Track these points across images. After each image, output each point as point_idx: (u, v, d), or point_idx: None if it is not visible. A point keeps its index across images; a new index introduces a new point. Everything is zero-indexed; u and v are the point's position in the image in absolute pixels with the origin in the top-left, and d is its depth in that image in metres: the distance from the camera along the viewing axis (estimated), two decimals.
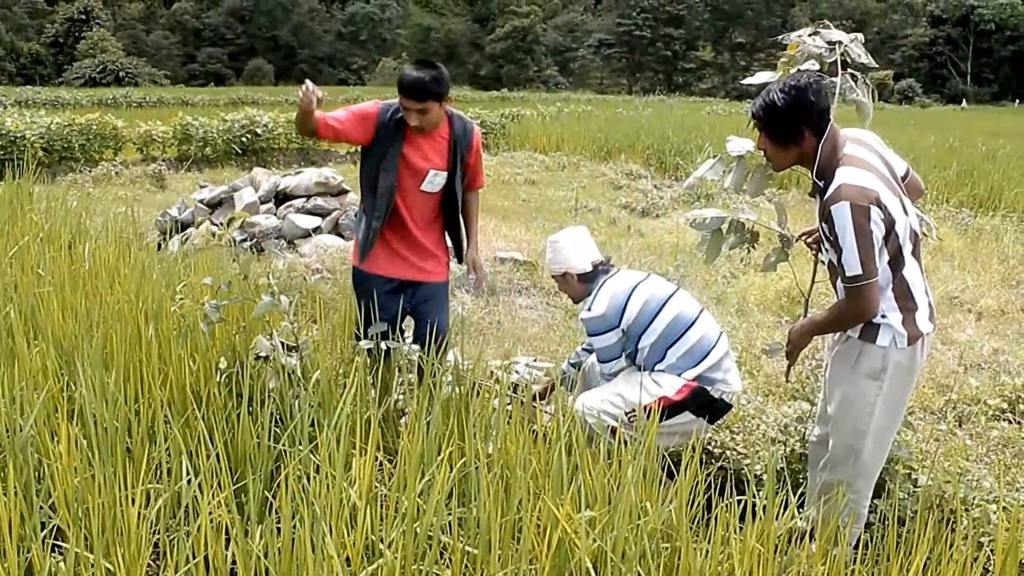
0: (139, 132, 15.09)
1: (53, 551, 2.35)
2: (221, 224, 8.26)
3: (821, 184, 2.88)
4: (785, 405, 4.27)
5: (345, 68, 74.48)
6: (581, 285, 3.87)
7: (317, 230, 8.12)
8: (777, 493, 2.54)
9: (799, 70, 3.06)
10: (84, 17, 61.65)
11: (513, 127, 19.74)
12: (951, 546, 2.46)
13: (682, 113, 27.15)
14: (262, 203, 8.54)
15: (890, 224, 2.76)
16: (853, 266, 2.74)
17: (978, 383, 4.95)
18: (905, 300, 2.87)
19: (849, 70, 3.14)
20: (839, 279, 2.86)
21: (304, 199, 8.48)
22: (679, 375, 3.61)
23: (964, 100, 56.32)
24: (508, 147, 18.38)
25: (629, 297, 3.68)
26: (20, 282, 4.19)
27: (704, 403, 3.60)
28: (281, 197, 8.69)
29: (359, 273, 4.03)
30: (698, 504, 2.64)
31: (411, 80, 3.68)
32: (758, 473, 3.53)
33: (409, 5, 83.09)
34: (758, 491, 2.60)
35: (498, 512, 2.30)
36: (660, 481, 2.70)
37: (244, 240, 7.88)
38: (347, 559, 2.34)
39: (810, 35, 3.25)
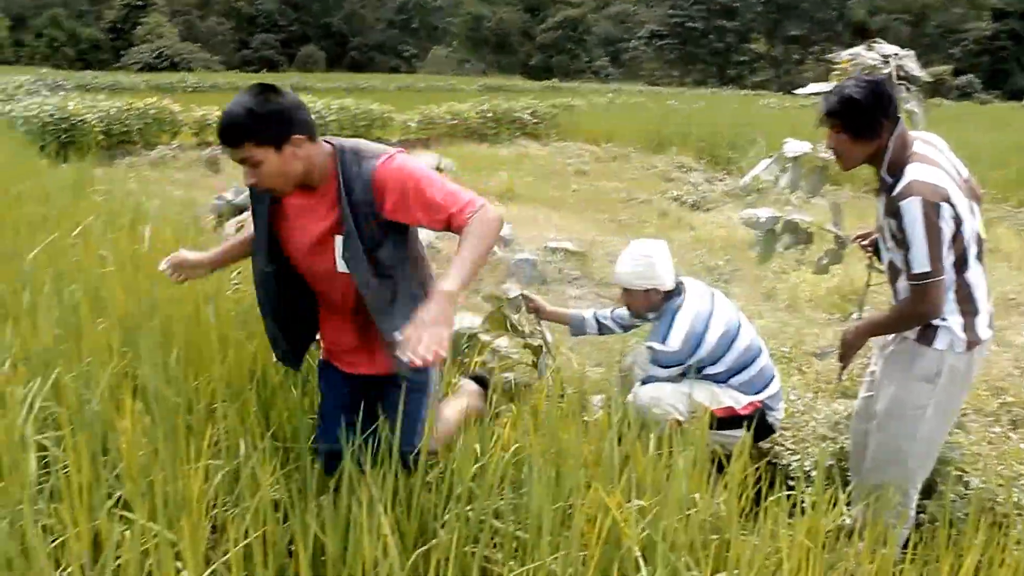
0: (195, 117, 15.35)
1: (119, 520, 2.43)
2: None
3: (890, 181, 2.85)
4: (835, 402, 4.24)
5: (396, 56, 74.78)
6: (658, 302, 3.75)
7: None
8: (827, 490, 2.54)
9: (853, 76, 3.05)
10: (141, 3, 62.65)
11: (564, 117, 19.72)
12: (1003, 550, 2.45)
13: (735, 106, 26.91)
14: None
15: (958, 223, 2.74)
16: (921, 263, 2.71)
17: None
18: (966, 304, 2.84)
19: (903, 82, 3.14)
20: (902, 278, 2.84)
21: None
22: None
23: None
24: (559, 137, 18.37)
25: (705, 333, 3.63)
26: (84, 261, 4.30)
27: (759, 424, 3.60)
28: None
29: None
30: (747, 497, 2.65)
31: (224, 117, 2.40)
32: (807, 470, 3.53)
33: None
34: (807, 487, 2.61)
35: (549, 499, 2.34)
36: (709, 474, 2.72)
37: None
38: (401, 539, 2.40)
39: (866, 48, 3.26)
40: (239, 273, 4.16)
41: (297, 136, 2.37)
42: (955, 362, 2.86)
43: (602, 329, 4.14)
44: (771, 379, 3.73)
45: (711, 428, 3.40)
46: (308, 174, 2.47)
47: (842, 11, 71.96)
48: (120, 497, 2.46)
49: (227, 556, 2.12)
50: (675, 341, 3.59)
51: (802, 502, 2.48)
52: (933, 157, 2.84)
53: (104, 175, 7.75)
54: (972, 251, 2.83)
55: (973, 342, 2.85)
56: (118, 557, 2.05)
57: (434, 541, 2.31)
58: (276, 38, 70.75)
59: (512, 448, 2.73)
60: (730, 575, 2.26)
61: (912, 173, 2.76)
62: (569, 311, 4.21)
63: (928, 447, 2.99)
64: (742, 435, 3.44)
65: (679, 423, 3.42)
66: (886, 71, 3.19)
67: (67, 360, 3.08)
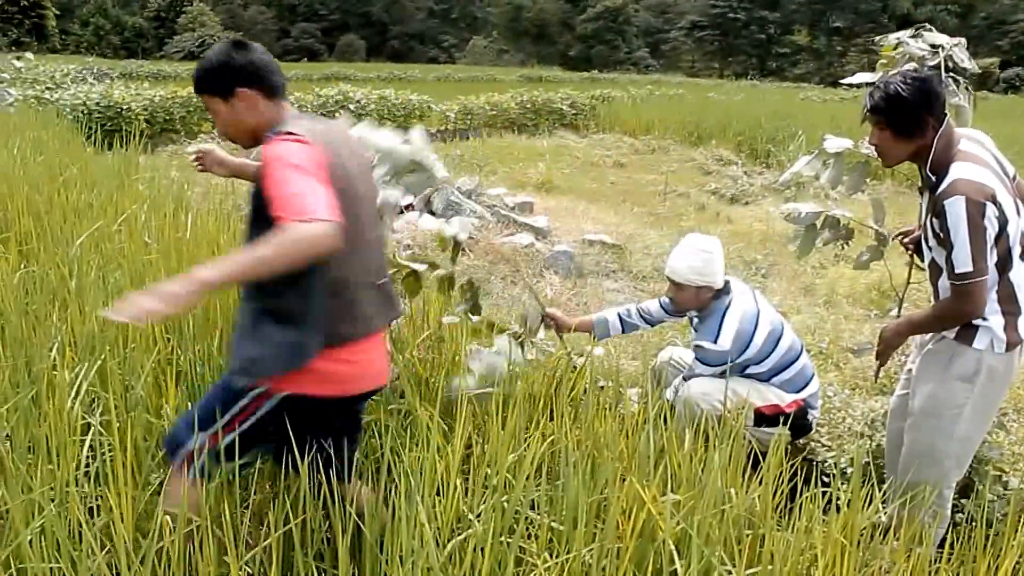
0: None
1: None
2: None
3: (934, 179, 2.81)
4: (872, 399, 4.22)
5: (436, 46, 74.97)
6: (708, 299, 3.70)
7: (409, 207, 8.25)
8: (862, 487, 2.54)
9: (900, 72, 3.01)
10: None
11: (603, 109, 19.65)
12: None
13: (775, 99, 26.63)
14: None
15: (1003, 223, 2.71)
16: (964, 262, 2.68)
17: None
18: (1009, 304, 2.80)
19: (951, 73, 3.09)
20: (943, 277, 2.81)
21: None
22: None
23: None
24: (598, 129, 18.31)
25: (753, 334, 3.62)
26: (128, 248, 4.38)
27: (799, 422, 3.67)
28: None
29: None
30: (782, 493, 2.65)
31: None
32: (843, 467, 3.52)
33: None
34: (843, 484, 2.60)
35: (585, 491, 2.36)
36: (745, 470, 2.73)
37: None
38: (438, 528, 2.43)
39: (911, 36, 3.21)
40: None
41: (243, 90, 2.36)
42: (994, 362, 2.82)
43: (626, 327, 4.06)
44: (811, 378, 3.74)
45: (755, 425, 3.46)
46: (259, 131, 2.41)
47: (887, 2, 70.89)
48: (163, 481, 2.51)
49: (267, 541, 2.16)
50: (726, 341, 3.58)
51: (837, 499, 2.48)
52: (979, 155, 2.80)
53: (147, 163, 7.86)
54: (1017, 251, 2.79)
55: (1014, 342, 2.81)
56: (161, 539, 2.10)
57: (468, 531, 2.34)
58: (316, 27, 71.22)
59: (549, 439, 2.76)
60: (764, 570, 2.27)
61: (957, 172, 2.72)
62: (592, 317, 4.13)
63: (964, 447, 2.96)
64: (779, 431, 3.47)
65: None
66: (934, 63, 3.14)
67: (113, 345, 3.16)
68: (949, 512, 3.04)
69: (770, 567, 2.27)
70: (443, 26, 77.21)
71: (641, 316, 4.03)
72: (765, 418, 3.58)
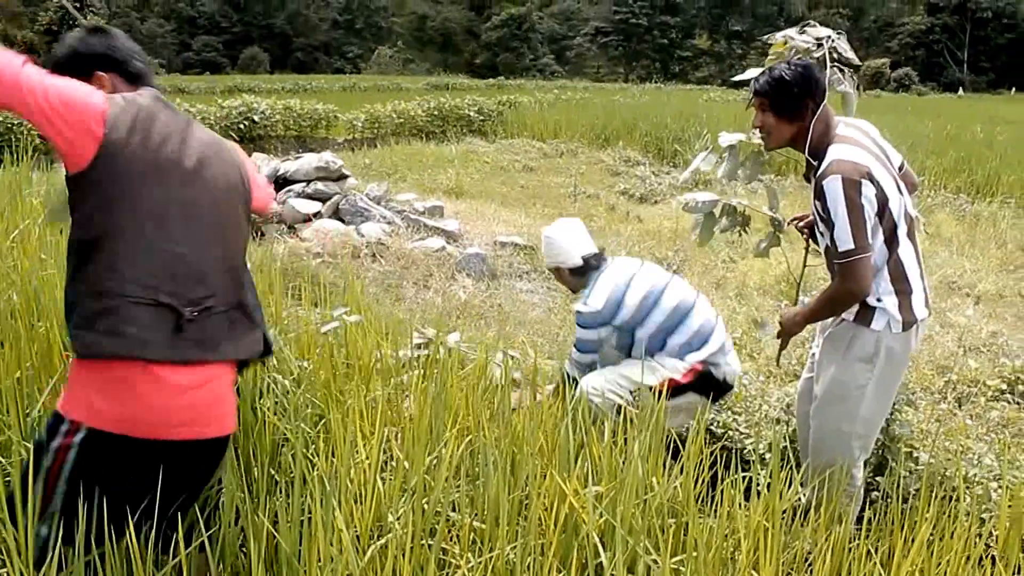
0: None
1: None
2: None
3: (815, 164, 2.89)
4: (787, 386, 4.29)
5: (341, 57, 74.18)
6: (574, 279, 3.87)
7: (317, 215, 8.12)
8: (781, 470, 2.56)
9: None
10: (78, 5, 61.42)
11: (511, 114, 19.70)
12: (954, 520, 2.48)
13: (679, 101, 27.12)
14: None
15: (883, 201, 2.79)
16: (845, 240, 2.74)
17: (977, 365, 4.97)
18: (900, 283, 2.88)
19: (836, 64, 3.19)
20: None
21: (304, 184, 8.47)
22: (682, 359, 3.67)
23: (961, 88, 56.20)
24: (506, 134, 18.35)
25: (626, 292, 3.68)
26: (22, 265, 4.18)
27: (708, 384, 3.67)
28: (281, 182, 8.68)
29: None
30: (703, 481, 2.65)
31: None
32: (762, 452, 3.56)
33: None
34: (762, 469, 2.62)
35: (506, 488, 2.32)
36: (665, 459, 2.72)
37: None
38: (356, 534, 2.36)
39: (799, 31, 3.30)
40: None
41: (101, 73, 2.26)
42: (892, 342, 2.89)
43: (572, 377, 3.91)
44: (710, 335, 3.70)
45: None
46: None
47: (782, 6, 72.93)
48: None
49: (177, 559, 2.06)
50: (596, 301, 3.67)
51: (757, 484, 2.49)
52: (855, 137, 2.89)
53: (43, 179, 7.54)
54: (902, 229, 2.87)
55: (909, 322, 2.89)
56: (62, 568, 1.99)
57: (388, 536, 2.27)
58: (218, 40, 69.78)
59: (467, 439, 2.71)
60: (689, 557, 2.26)
61: (833, 153, 2.81)
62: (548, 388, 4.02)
63: (868, 427, 3.02)
64: (697, 398, 3.54)
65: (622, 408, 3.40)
66: (819, 54, 3.23)
67: (6, 365, 2.99)
68: (862, 491, 3.09)
69: (695, 554, 2.26)
70: (348, 37, 76.48)
71: (574, 367, 3.93)
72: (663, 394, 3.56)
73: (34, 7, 64.52)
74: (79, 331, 2.02)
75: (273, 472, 2.76)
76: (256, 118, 15.45)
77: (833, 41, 3.25)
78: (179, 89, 33.70)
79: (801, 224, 3.32)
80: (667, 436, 2.90)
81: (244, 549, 2.32)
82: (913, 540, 2.36)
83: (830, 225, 2.78)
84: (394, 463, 2.65)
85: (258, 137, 15.59)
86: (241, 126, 15.20)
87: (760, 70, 3.21)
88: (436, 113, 18.64)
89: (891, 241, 2.85)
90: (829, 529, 2.52)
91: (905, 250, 2.88)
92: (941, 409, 4.32)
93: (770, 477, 2.51)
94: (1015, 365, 4.84)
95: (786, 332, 3.14)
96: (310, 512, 2.19)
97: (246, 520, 2.22)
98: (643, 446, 2.52)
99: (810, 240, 3.25)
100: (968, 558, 2.38)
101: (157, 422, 2.08)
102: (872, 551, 2.38)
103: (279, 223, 7.97)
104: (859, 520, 2.96)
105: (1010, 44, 65.26)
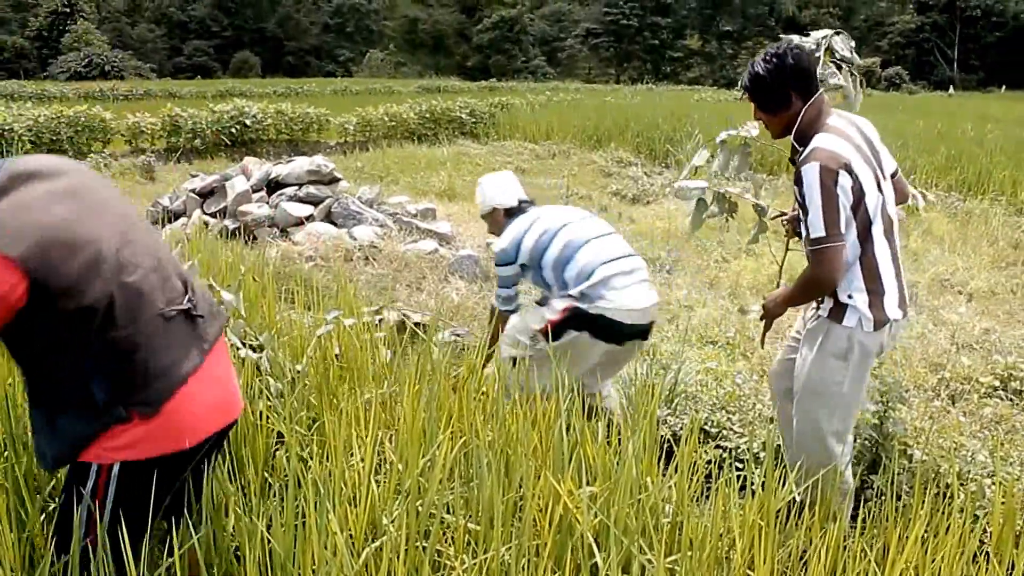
0: (127, 124, 15.04)
1: None
2: (215, 214, 8.25)
3: (800, 148, 2.92)
4: None
5: (332, 60, 74.16)
6: (506, 220, 4.14)
7: (310, 218, 8.10)
8: (776, 468, 2.56)
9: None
10: (68, 10, 61.20)
11: (502, 116, 19.71)
12: (948, 517, 2.49)
13: (671, 101, 27.18)
14: (254, 192, 8.52)
15: (859, 194, 2.80)
16: (817, 227, 2.77)
17: (970, 362, 4.98)
18: (873, 282, 2.89)
19: (834, 61, 3.22)
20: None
21: (296, 187, 8.46)
22: (567, 297, 3.84)
23: (951, 86, 56.40)
24: (498, 136, 18.36)
25: (526, 233, 3.96)
26: None
27: (583, 320, 3.73)
28: (273, 186, 8.67)
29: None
30: (698, 480, 2.65)
31: None
32: (756, 451, 3.56)
33: None
34: (756, 468, 2.62)
35: (500, 490, 2.32)
36: (660, 459, 2.72)
37: (236, 228, 7.87)
38: (351, 537, 2.35)
39: (801, 36, 3.34)
40: None
41: None
42: (864, 340, 2.91)
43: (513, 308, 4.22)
44: (593, 270, 3.76)
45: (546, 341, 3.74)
46: None
47: (773, 6, 73.14)
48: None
49: (170, 560, 2.05)
50: (503, 242, 4.03)
51: (752, 482, 2.49)
52: (844, 129, 2.90)
53: None
54: (878, 226, 2.88)
55: (881, 321, 2.90)
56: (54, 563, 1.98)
57: (383, 539, 2.27)
58: (209, 44, 69.67)
59: (460, 440, 2.71)
60: (683, 557, 2.26)
61: (816, 141, 2.83)
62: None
63: (843, 423, 3.04)
64: (576, 335, 3.74)
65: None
66: (818, 54, 3.24)
67: None
68: (852, 487, 3.09)
69: (689, 553, 2.26)
70: (339, 40, 76.43)
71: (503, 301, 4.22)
72: (547, 335, 3.78)
73: (24, 13, 64.35)
74: (120, 407, 1.95)
75: (267, 475, 2.76)
76: (248, 122, 15.44)
77: (829, 38, 3.28)
78: (170, 94, 33.65)
79: (784, 219, 3.36)
80: (662, 437, 2.90)
81: (238, 553, 2.31)
82: (907, 538, 2.36)
83: (805, 211, 2.82)
84: (388, 465, 2.64)
85: (250, 141, 15.57)
86: (233, 130, 15.18)
87: None
88: (428, 116, 18.64)
89: (865, 237, 2.87)
90: (824, 527, 2.52)
91: (880, 249, 2.90)
92: (934, 406, 4.33)
93: (764, 476, 2.51)
94: (1008, 362, 4.85)
95: (769, 314, 3.21)
96: (304, 515, 2.18)
97: (240, 523, 2.21)
98: (637, 446, 2.52)
99: (792, 233, 3.29)
100: (962, 554, 2.38)
101: (200, 426, 2.09)
102: (867, 549, 2.38)
103: (271, 227, 7.96)
104: (853, 518, 2.96)
105: (999, 42, 65.50)
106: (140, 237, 2.10)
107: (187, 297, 2.12)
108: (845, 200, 2.77)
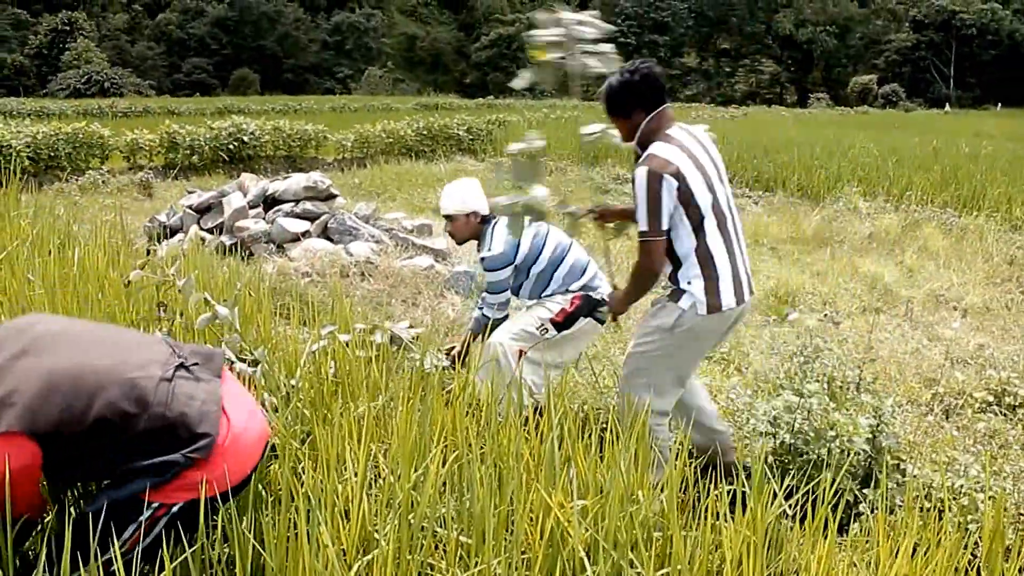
0: (126, 140, 15.08)
1: None
2: (212, 230, 8.27)
3: (640, 155, 3.27)
4: (775, 399, 4.29)
5: (331, 77, 74.48)
6: (479, 226, 4.34)
7: (306, 234, 8.13)
8: (769, 482, 2.56)
9: None
10: (68, 28, 61.46)
11: (500, 133, 19.78)
12: (939, 531, 2.49)
13: None
14: (251, 208, 8.54)
15: (687, 197, 3.16)
16: (642, 223, 3.18)
17: (964, 377, 4.99)
18: (707, 269, 3.24)
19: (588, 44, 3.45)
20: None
21: (293, 203, 8.48)
22: (565, 291, 4.24)
23: (947, 104, 56.72)
24: (495, 153, 18.42)
25: (519, 241, 4.20)
26: (9, 286, 4.19)
27: (592, 306, 4.23)
28: (270, 202, 8.70)
29: None
30: (689, 494, 2.66)
31: None
32: (747, 465, 3.56)
33: (394, 14, 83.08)
34: (747, 482, 2.62)
35: (492, 503, 2.32)
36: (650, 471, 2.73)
37: (233, 244, 7.89)
38: (343, 550, 2.36)
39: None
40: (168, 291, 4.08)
41: None
42: (692, 322, 3.25)
43: (484, 320, 4.38)
44: (585, 267, 4.31)
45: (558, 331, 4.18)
46: None
47: (769, 24, 73.50)
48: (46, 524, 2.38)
49: (161, 575, 2.06)
50: (498, 244, 4.21)
51: (743, 496, 2.50)
52: (682, 140, 3.25)
53: (32, 201, 7.54)
54: (710, 220, 3.23)
55: (714, 306, 3.24)
56: None
57: (375, 552, 2.28)
58: (208, 62, 69.95)
59: (453, 455, 2.71)
60: (674, 570, 2.26)
61: (651, 149, 3.22)
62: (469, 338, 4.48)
63: (659, 390, 3.32)
64: (587, 321, 4.23)
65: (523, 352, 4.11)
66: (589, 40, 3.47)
67: None
68: (669, 442, 3.36)
69: (679, 567, 2.27)
70: (337, 58, 76.72)
71: (482, 311, 4.42)
72: (561, 324, 4.19)
73: (24, 31, 64.56)
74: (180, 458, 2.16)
75: (260, 488, 2.76)
76: (246, 139, 15.49)
77: (572, 27, 3.50)
78: (170, 111, 33.75)
79: (592, 216, 3.81)
80: (653, 452, 2.91)
81: (231, 566, 2.32)
82: (899, 551, 2.37)
83: (636, 208, 3.19)
84: (380, 479, 2.65)
85: (248, 157, 15.61)
86: (231, 147, 15.23)
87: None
88: (425, 133, 18.71)
89: (698, 231, 3.22)
90: (815, 541, 2.52)
91: (713, 240, 3.24)
92: (928, 421, 4.34)
93: (755, 490, 2.52)
94: (1001, 377, 4.86)
95: (616, 312, 3.62)
96: (296, 528, 2.19)
97: (232, 536, 2.21)
98: (629, 460, 2.53)
99: (602, 225, 3.83)
100: (955, 570, 2.39)
101: (252, 453, 2.37)
102: (857, 563, 2.39)
103: (268, 242, 7.97)
104: (844, 532, 2.97)
105: (995, 60, 65.88)
106: (103, 347, 2.30)
107: (174, 353, 2.36)
108: (669, 201, 3.14)
